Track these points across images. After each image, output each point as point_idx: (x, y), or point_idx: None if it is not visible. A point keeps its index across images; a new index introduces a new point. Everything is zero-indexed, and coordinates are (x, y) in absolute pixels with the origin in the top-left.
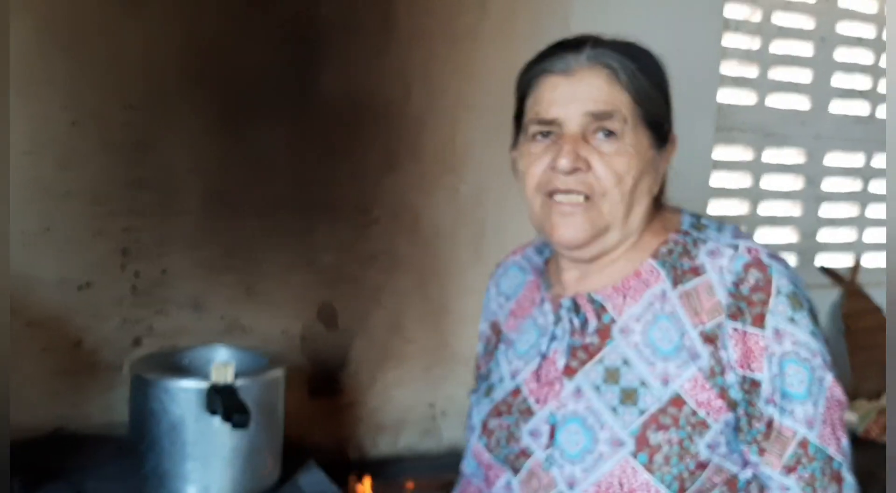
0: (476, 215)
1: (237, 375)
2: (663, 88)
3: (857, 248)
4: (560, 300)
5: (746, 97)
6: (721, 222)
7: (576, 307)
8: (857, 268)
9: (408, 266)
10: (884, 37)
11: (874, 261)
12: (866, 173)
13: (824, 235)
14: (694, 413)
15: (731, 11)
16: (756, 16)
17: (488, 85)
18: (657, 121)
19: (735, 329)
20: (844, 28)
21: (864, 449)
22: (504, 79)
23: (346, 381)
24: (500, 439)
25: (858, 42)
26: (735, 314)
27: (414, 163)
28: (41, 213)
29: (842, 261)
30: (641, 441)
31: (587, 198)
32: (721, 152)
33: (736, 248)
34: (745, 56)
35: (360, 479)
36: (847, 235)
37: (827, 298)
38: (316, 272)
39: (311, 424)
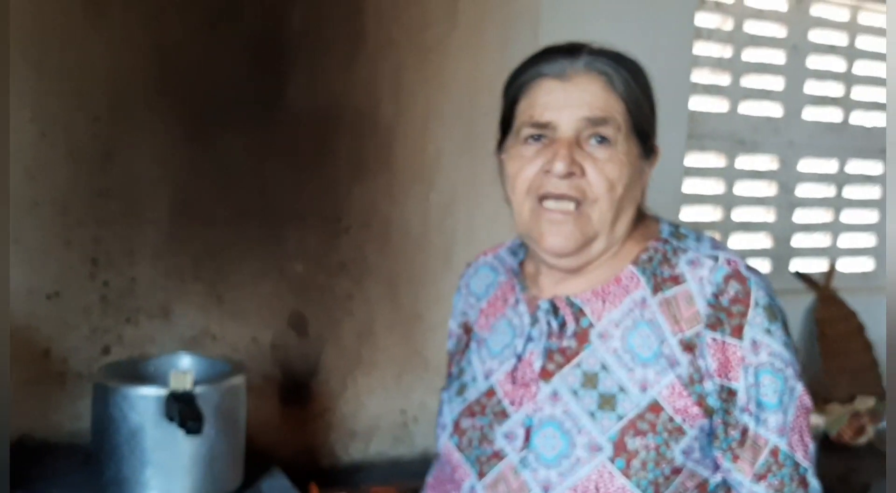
0: (446, 224)
1: (198, 382)
2: (651, 98)
3: (832, 253)
4: (537, 302)
5: (719, 105)
6: (699, 232)
7: (554, 309)
8: (831, 273)
9: (378, 274)
10: (857, 44)
11: (848, 266)
12: (840, 179)
13: (798, 241)
14: (671, 420)
15: (703, 20)
16: (728, 24)
17: (458, 95)
18: (645, 130)
19: (714, 339)
20: (816, 36)
21: (838, 453)
22: (473, 89)
23: (317, 388)
24: (473, 439)
25: (831, 50)
26: (714, 324)
27: (384, 172)
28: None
29: (816, 266)
30: (619, 447)
31: (578, 205)
32: (693, 159)
33: (716, 259)
34: (717, 64)
35: (319, 486)
36: (821, 240)
37: (802, 303)
38: (286, 281)
39: (282, 431)
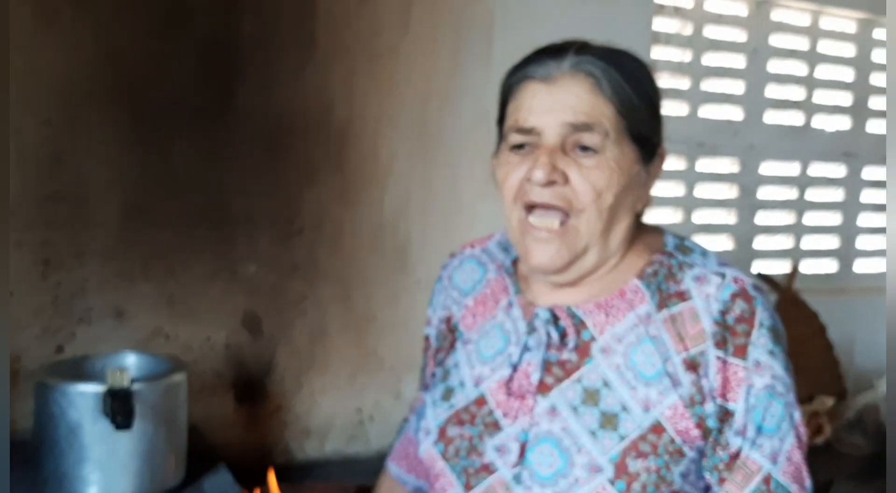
0: (399, 227)
1: (138, 380)
2: (652, 99)
3: (794, 255)
4: (533, 308)
5: (678, 108)
6: (703, 247)
7: (554, 319)
8: (794, 274)
9: (331, 276)
10: (818, 49)
11: (810, 267)
12: (802, 182)
13: (760, 243)
14: (672, 441)
15: (661, 25)
16: (687, 29)
17: (410, 100)
18: (644, 134)
19: (718, 358)
20: (777, 40)
21: None
22: (426, 94)
23: (271, 387)
24: (460, 449)
25: (791, 54)
26: (720, 343)
27: (337, 175)
28: None
29: (778, 268)
30: (620, 468)
31: (564, 218)
32: None
33: (723, 276)
34: (677, 68)
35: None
36: (783, 242)
37: None
38: (238, 282)
39: (237, 429)
